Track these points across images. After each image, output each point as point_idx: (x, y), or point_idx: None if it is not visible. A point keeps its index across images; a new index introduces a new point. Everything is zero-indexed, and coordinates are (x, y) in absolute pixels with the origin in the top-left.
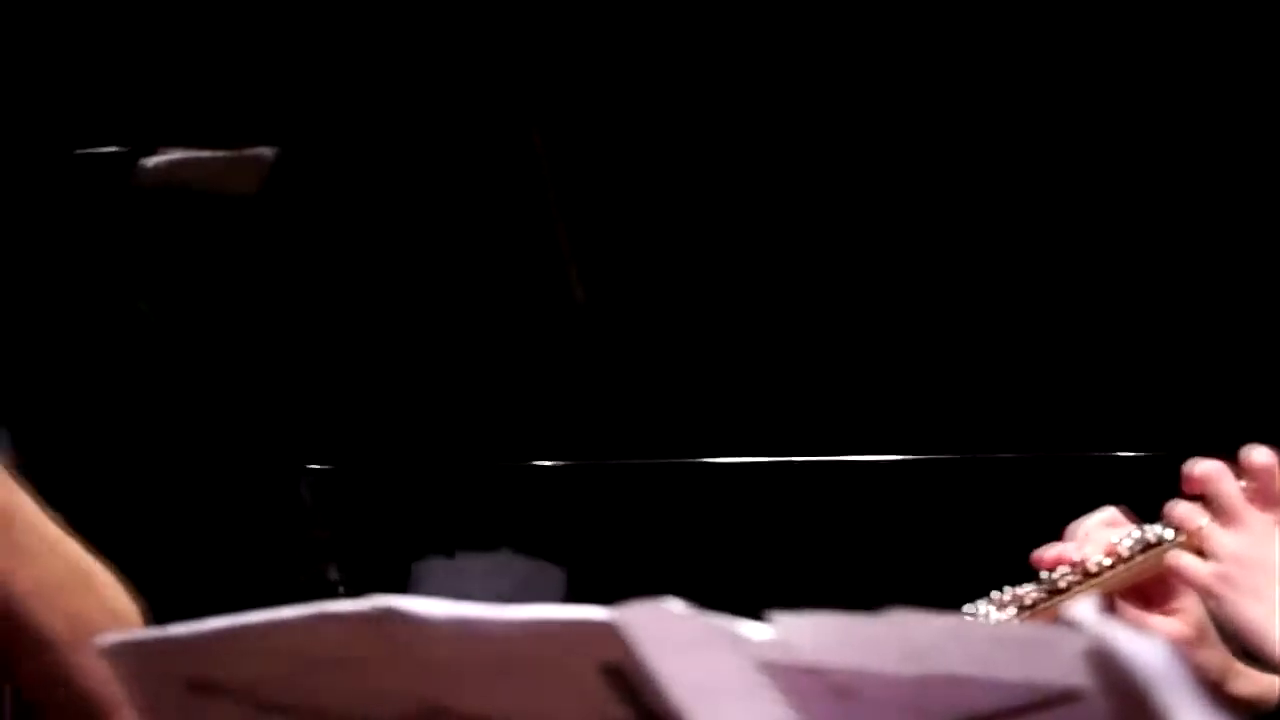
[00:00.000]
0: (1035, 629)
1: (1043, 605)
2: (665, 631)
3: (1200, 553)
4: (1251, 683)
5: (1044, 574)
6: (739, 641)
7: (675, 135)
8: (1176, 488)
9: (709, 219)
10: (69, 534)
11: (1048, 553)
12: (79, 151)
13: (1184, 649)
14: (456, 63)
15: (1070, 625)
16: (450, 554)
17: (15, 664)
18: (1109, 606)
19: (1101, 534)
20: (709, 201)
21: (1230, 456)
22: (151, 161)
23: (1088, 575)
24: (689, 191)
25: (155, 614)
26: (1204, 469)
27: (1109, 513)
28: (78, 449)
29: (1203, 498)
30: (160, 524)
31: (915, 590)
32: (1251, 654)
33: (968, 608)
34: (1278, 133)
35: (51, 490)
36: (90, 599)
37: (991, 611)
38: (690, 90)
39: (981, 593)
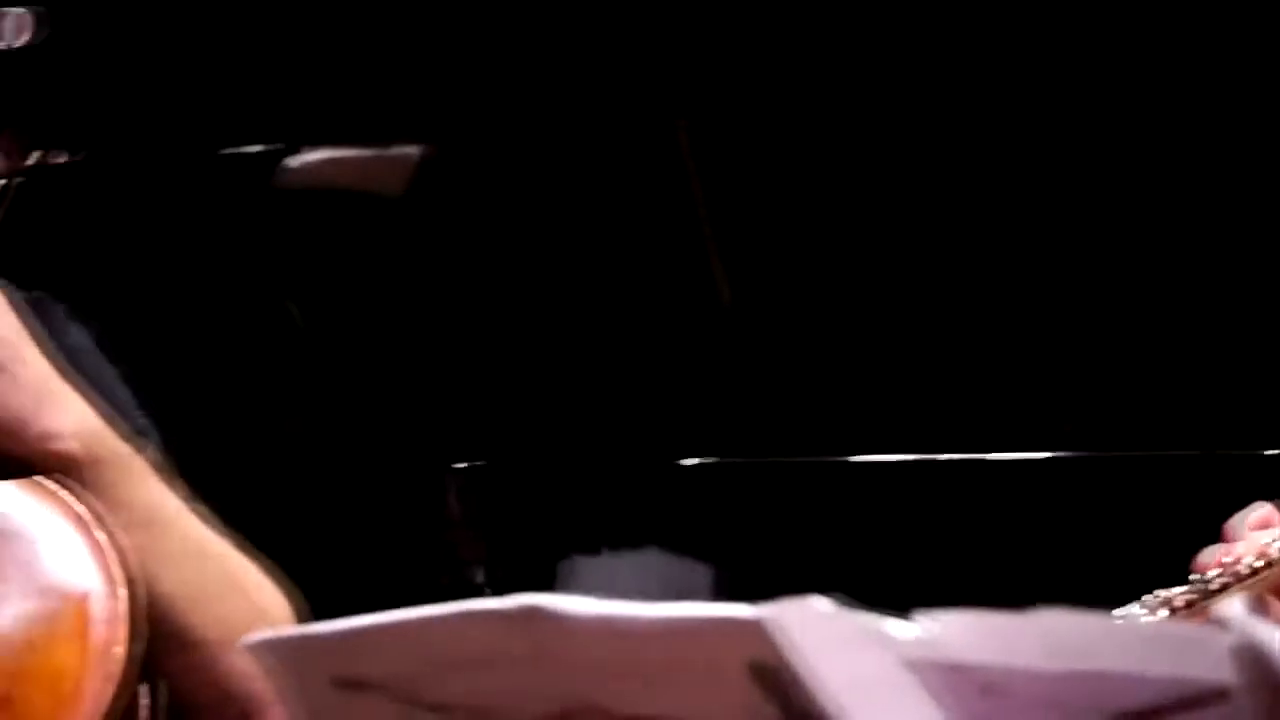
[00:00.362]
0: (1184, 627)
1: (1193, 607)
2: (813, 630)
3: None
4: None
5: (1194, 576)
6: (887, 639)
7: (821, 131)
8: None
9: (855, 216)
10: (220, 533)
11: (1208, 557)
12: (225, 151)
13: None
14: (602, 60)
15: (1219, 624)
16: (597, 553)
17: (166, 664)
18: (1260, 608)
19: (1255, 536)
20: (855, 198)
21: None
22: (297, 161)
23: (1239, 577)
24: (835, 188)
25: (311, 611)
26: None
27: (1264, 509)
28: (225, 449)
29: None
30: (306, 524)
31: (1064, 591)
32: None
33: (1118, 612)
34: None
35: (199, 490)
36: (239, 600)
37: (1142, 614)
38: (837, 86)
39: (1133, 595)
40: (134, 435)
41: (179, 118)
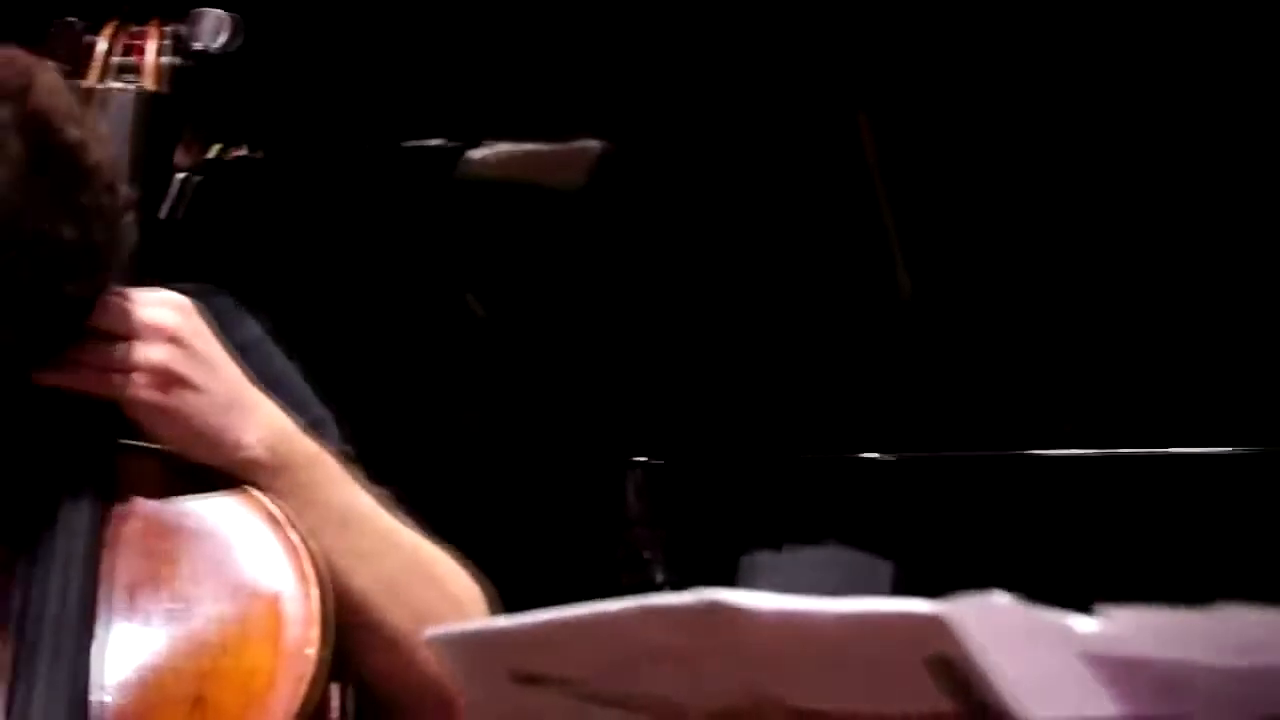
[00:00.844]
0: None
1: None
2: (993, 624)
3: None
4: None
5: None
6: (1065, 634)
7: (1001, 124)
8: None
9: (1034, 209)
10: (408, 524)
11: None
12: (407, 145)
13: None
14: (782, 54)
15: None
16: (777, 548)
17: (362, 659)
18: None
19: None
20: (1035, 191)
21: None
22: (479, 155)
23: None
24: (1015, 181)
25: (503, 597)
26: None
27: None
28: (405, 441)
29: None
30: (485, 518)
31: (1243, 586)
32: None
33: None
34: None
35: (383, 482)
36: (432, 591)
37: None
38: (1017, 79)
39: None
40: (310, 428)
41: (361, 112)
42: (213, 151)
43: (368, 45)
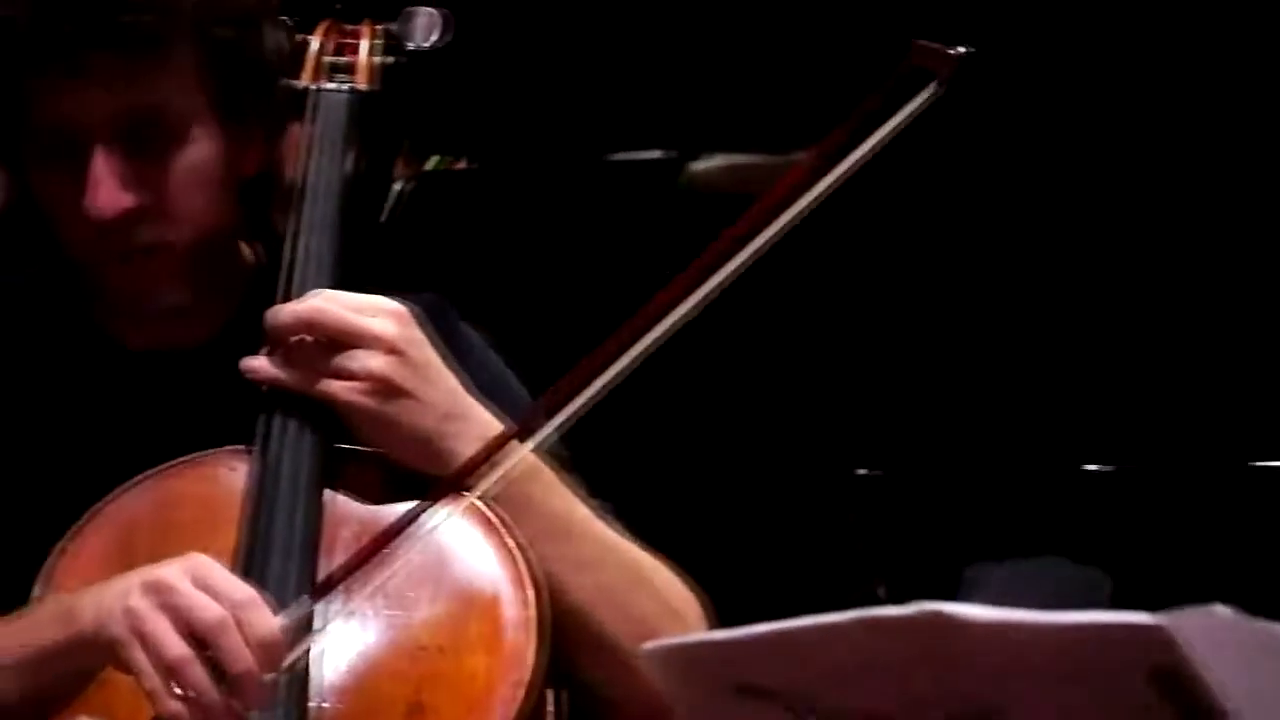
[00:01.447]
0: None
1: None
2: (1216, 637)
3: None
4: None
5: None
6: None
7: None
8: None
9: None
10: (625, 535)
11: None
12: (623, 158)
13: None
14: (1010, 61)
15: None
16: (998, 559)
17: (580, 668)
18: None
19: None
20: None
21: None
22: (697, 167)
23: None
24: None
25: (718, 610)
26: None
27: None
28: (624, 451)
29: None
30: (709, 529)
31: None
32: None
33: None
34: None
35: (599, 491)
36: (649, 601)
37: None
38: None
39: None
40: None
41: (579, 125)
42: (431, 163)
43: (587, 57)
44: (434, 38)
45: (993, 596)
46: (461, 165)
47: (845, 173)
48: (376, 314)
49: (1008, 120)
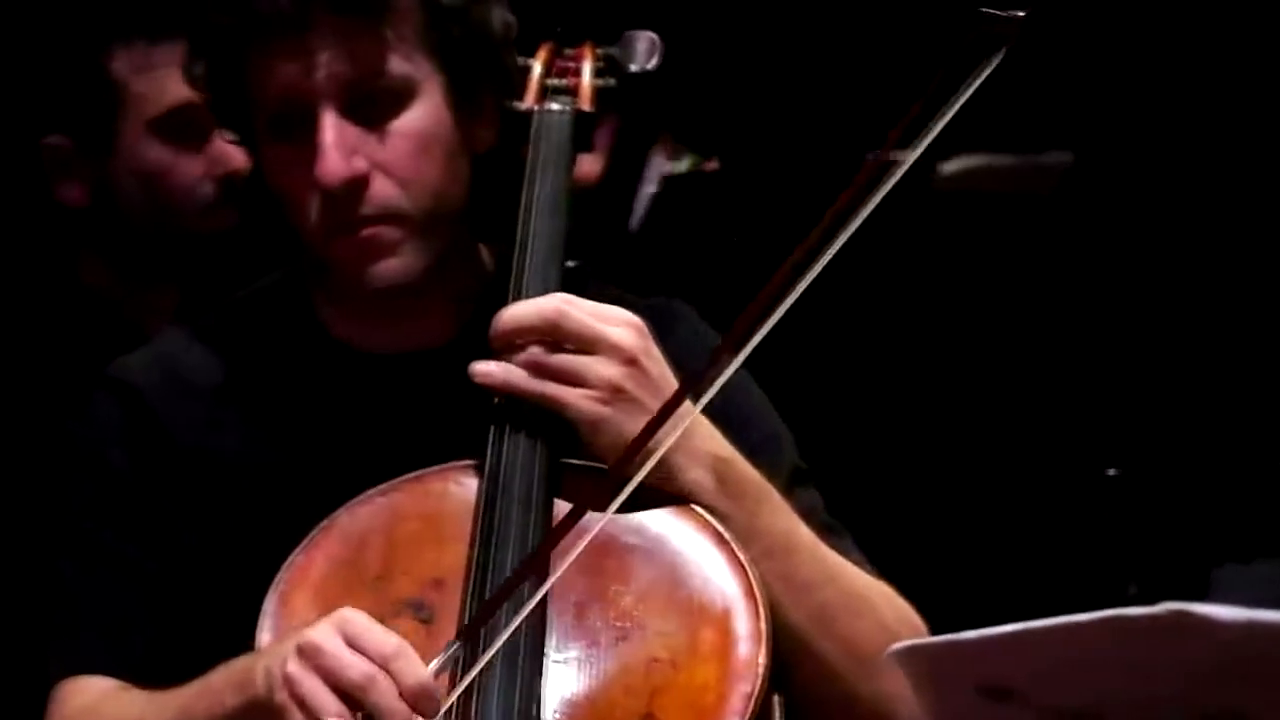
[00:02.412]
0: None
1: None
2: None
3: None
4: None
5: None
6: None
7: None
8: None
9: None
10: (844, 555)
11: None
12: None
13: None
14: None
15: None
16: (1246, 560)
17: (794, 683)
18: None
19: None
20: None
21: None
22: (950, 166)
23: None
24: None
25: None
26: None
27: None
28: (869, 451)
29: None
30: (961, 530)
31: None
32: None
33: None
34: None
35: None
36: (869, 626)
37: None
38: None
39: None
40: (763, 443)
41: (825, 124)
42: (683, 164)
43: (838, 57)
44: (654, 62)
45: (1241, 598)
46: (713, 166)
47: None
48: (616, 323)
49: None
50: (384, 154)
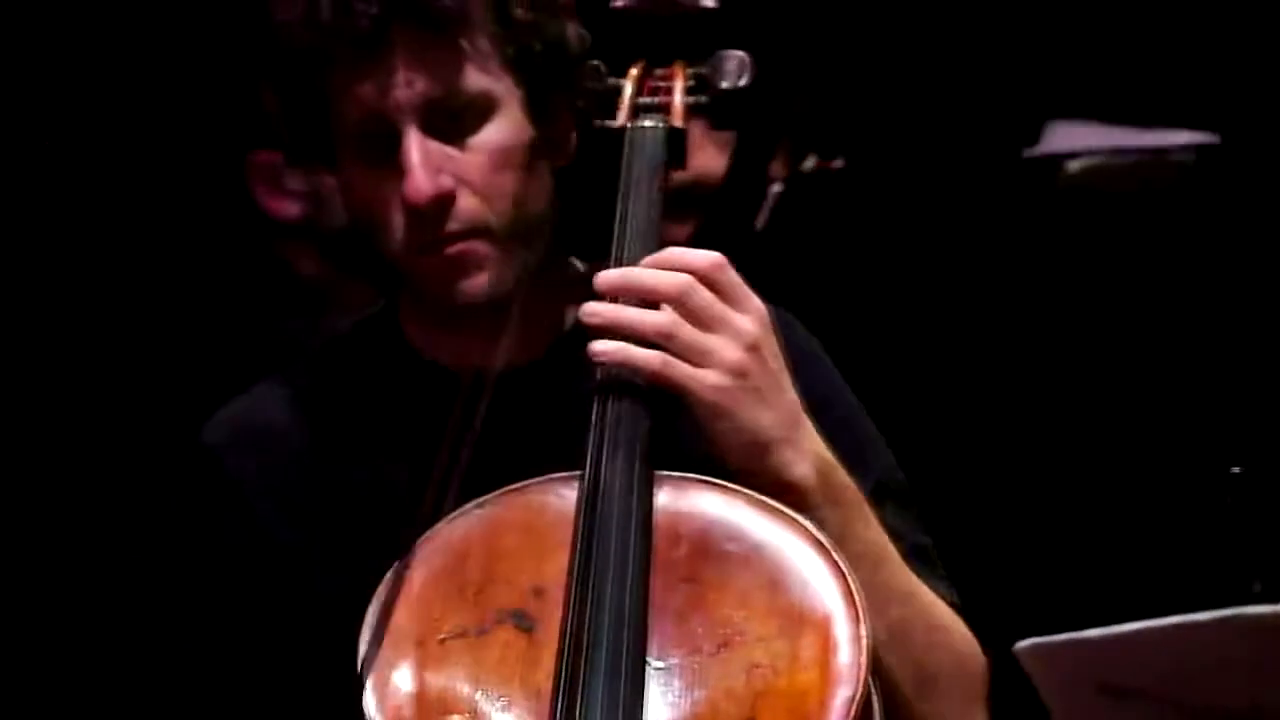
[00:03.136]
0: None
1: None
2: None
3: None
4: None
5: None
6: None
7: None
8: None
9: None
10: (919, 574)
11: None
12: (1011, 155)
13: None
14: None
15: None
16: None
17: (895, 708)
18: None
19: None
20: None
21: None
22: (1075, 164)
23: None
24: None
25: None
26: None
27: None
28: (995, 449)
29: None
30: (1086, 528)
31: None
32: None
33: None
34: None
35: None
36: (940, 649)
37: None
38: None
39: None
40: (856, 448)
41: (952, 122)
42: (808, 163)
43: (965, 57)
44: (745, 81)
45: None
46: (838, 165)
47: None
48: (745, 307)
49: None
50: (467, 169)
